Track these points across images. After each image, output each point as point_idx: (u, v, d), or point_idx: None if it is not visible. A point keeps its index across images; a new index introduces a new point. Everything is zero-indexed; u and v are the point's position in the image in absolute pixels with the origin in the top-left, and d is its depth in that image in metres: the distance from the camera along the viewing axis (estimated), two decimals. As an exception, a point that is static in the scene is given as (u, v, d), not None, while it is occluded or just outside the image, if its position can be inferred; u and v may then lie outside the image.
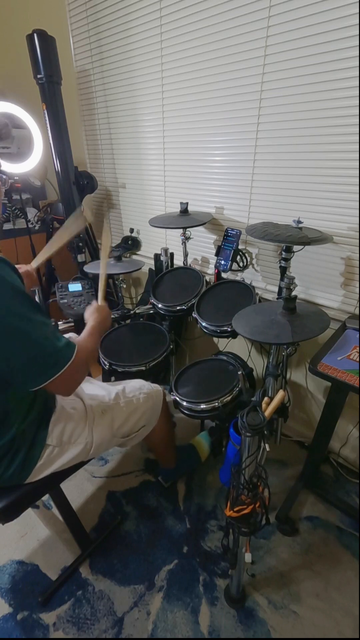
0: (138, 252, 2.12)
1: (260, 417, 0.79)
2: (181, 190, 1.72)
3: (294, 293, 1.06)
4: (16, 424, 0.88)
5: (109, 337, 1.57)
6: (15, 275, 0.77)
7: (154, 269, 1.83)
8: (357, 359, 1.00)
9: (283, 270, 1.30)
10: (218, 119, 1.44)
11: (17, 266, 1.07)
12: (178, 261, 1.76)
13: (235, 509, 0.88)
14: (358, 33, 1.02)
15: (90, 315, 1.04)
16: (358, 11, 1.00)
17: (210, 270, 1.74)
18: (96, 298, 1.16)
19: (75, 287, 1.79)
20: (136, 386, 1.18)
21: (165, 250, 1.68)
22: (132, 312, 1.71)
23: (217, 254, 1.53)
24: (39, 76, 1.57)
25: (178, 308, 1.48)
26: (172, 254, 1.73)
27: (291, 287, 1.07)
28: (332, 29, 1.06)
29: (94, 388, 1.14)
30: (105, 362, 1.40)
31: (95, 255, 2.24)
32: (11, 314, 0.72)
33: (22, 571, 1.18)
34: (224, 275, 1.58)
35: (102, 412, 1.05)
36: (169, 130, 1.65)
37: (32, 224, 2.15)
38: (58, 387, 0.81)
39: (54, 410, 0.98)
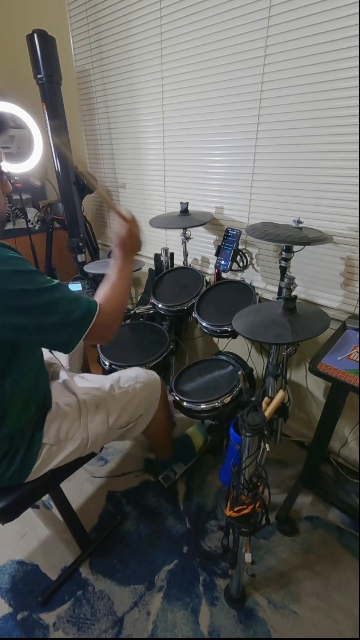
0: (138, 252, 2.11)
1: (260, 417, 0.79)
2: (181, 190, 1.72)
3: (294, 293, 1.06)
4: (12, 422, 0.87)
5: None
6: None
7: (154, 269, 1.83)
8: (357, 359, 1.00)
9: (283, 270, 1.30)
10: (218, 119, 1.44)
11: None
12: (178, 261, 1.76)
13: (235, 509, 0.88)
14: (358, 33, 1.02)
15: (116, 247, 0.98)
16: (358, 11, 1.00)
17: (210, 270, 1.74)
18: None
19: (75, 287, 1.79)
20: (132, 375, 1.16)
21: (165, 250, 1.68)
22: (132, 312, 1.71)
23: (217, 254, 1.53)
24: (39, 76, 1.57)
25: (178, 308, 1.48)
26: (172, 254, 1.73)
27: (291, 287, 1.07)
28: (332, 29, 1.06)
29: (87, 382, 1.13)
30: (105, 362, 1.40)
31: (95, 256, 2.24)
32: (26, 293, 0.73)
33: (22, 571, 1.18)
34: (224, 275, 1.58)
35: (96, 405, 1.04)
36: (169, 130, 1.65)
37: (32, 224, 2.15)
38: (94, 338, 0.83)
39: (49, 409, 0.98)
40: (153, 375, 1.21)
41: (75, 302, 0.80)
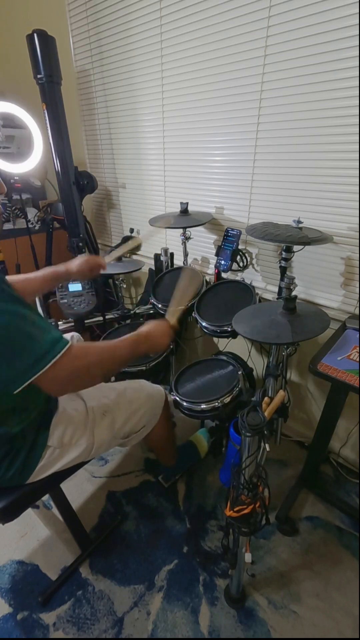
0: (138, 252, 2.12)
1: (260, 417, 0.79)
2: (181, 190, 1.72)
3: (294, 293, 1.06)
4: (14, 425, 0.87)
5: (108, 338, 1.57)
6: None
7: (154, 269, 1.83)
8: (357, 359, 1.00)
9: (283, 270, 1.30)
10: (218, 119, 1.44)
11: (87, 258, 1.06)
12: (178, 261, 1.76)
13: (235, 509, 0.88)
14: (358, 33, 1.02)
15: (147, 325, 0.94)
16: (358, 11, 1.00)
17: (210, 270, 1.74)
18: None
19: (75, 287, 1.78)
20: (137, 387, 1.18)
21: (165, 250, 1.68)
22: (132, 312, 1.71)
23: (217, 254, 1.53)
24: (39, 76, 1.57)
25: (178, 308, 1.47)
26: (172, 254, 1.73)
27: (291, 287, 1.07)
28: (332, 29, 1.06)
29: (95, 389, 1.14)
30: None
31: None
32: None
33: (22, 571, 1.18)
34: (224, 275, 1.58)
35: (103, 413, 1.05)
36: (169, 130, 1.65)
37: (32, 224, 2.15)
38: (47, 385, 0.73)
39: (55, 411, 0.98)
40: (158, 388, 1.22)
41: (38, 328, 0.70)
